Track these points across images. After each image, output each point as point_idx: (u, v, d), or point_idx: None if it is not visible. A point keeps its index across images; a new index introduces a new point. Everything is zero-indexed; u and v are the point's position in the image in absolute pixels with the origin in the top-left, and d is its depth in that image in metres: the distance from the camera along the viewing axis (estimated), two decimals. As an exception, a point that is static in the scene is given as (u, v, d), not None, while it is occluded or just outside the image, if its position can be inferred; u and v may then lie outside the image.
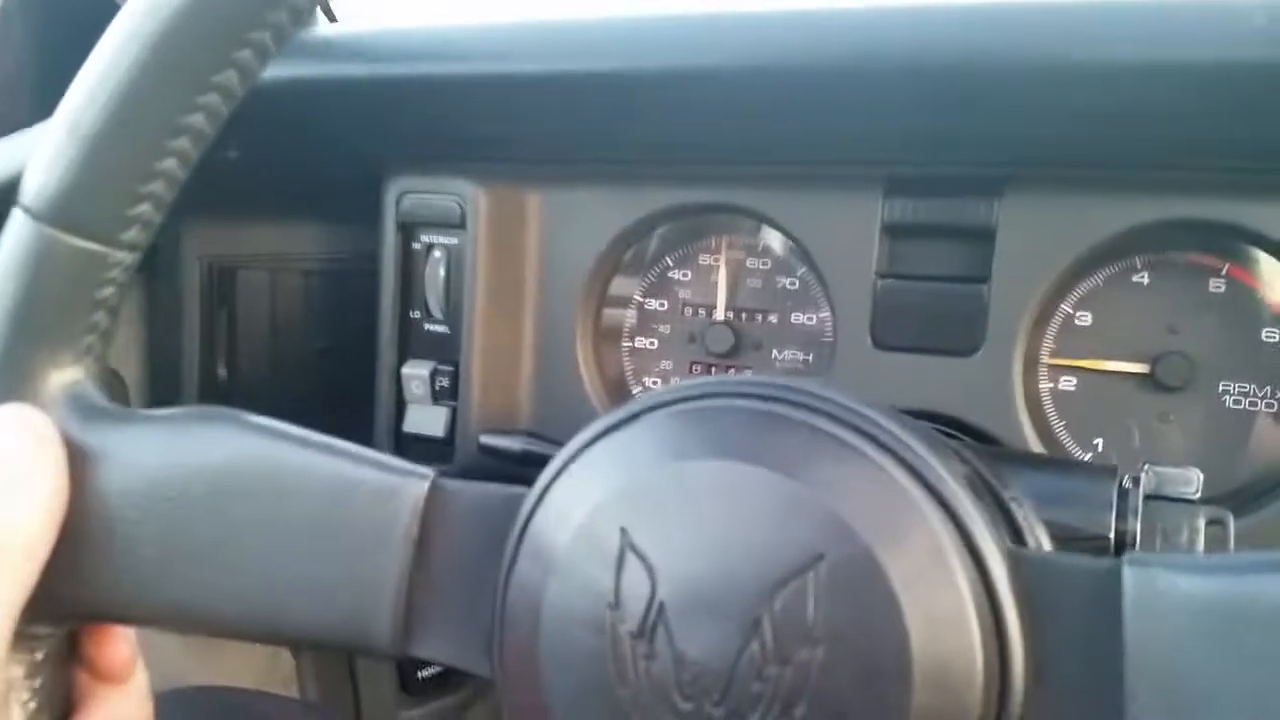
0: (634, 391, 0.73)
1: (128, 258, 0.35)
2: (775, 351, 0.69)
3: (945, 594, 0.26)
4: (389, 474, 0.32)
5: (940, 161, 0.60)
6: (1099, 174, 0.57)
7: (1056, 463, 0.55)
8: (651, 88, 0.59)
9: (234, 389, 0.81)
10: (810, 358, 0.68)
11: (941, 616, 0.26)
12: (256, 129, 0.69)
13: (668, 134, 0.64)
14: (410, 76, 0.64)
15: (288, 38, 0.35)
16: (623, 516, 0.29)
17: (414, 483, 0.32)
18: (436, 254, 0.69)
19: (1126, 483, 0.42)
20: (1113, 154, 0.56)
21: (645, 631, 0.28)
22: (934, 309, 0.61)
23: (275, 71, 0.66)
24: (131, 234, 0.35)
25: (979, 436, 0.60)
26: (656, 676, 0.28)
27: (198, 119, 0.34)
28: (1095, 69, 0.51)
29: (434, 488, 0.32)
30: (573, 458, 0.31)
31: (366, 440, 0.73)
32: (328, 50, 0.68)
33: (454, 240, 0.69)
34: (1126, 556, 0.26)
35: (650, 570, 0.28)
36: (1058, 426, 0.62)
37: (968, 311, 0.60)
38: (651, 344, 0.73)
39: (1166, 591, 0.25)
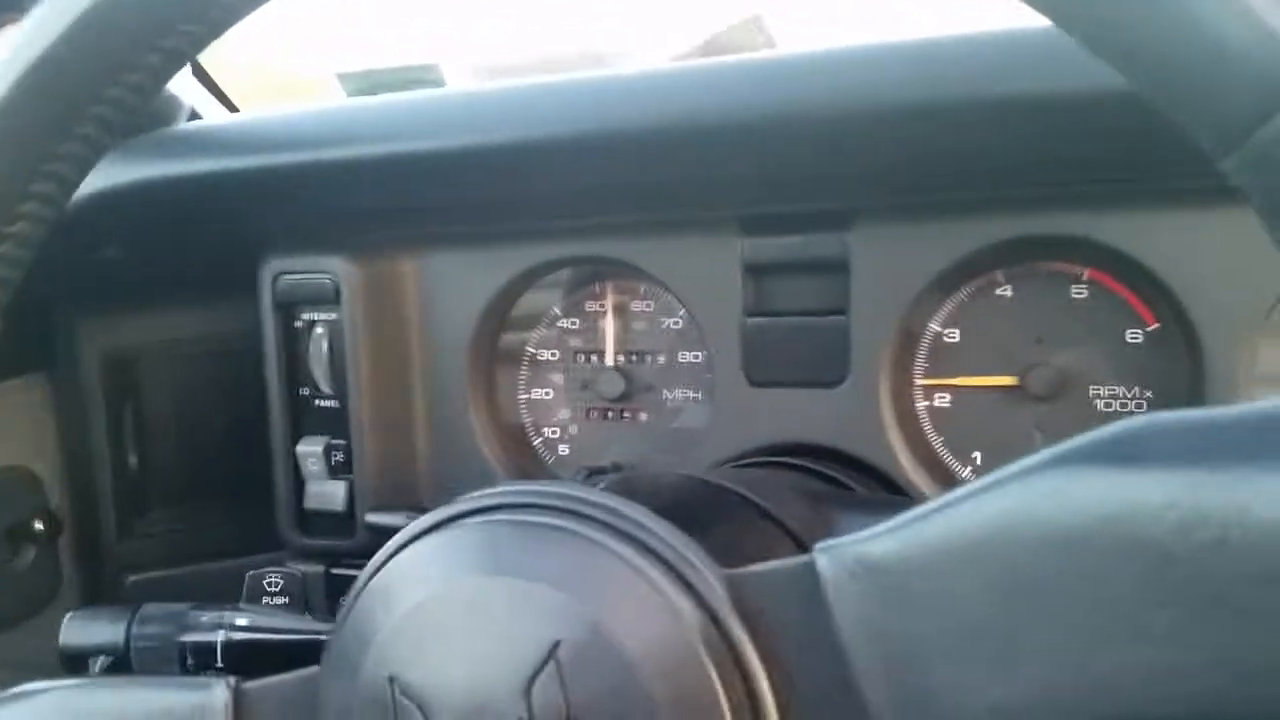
0: (534, 443, 0.74)
1: None
2: (666, 392, 0.70)
3: (673, 636, 0.28)
4: (193, 693, 0.34)
5: (791, 199, 0.60)
6: (941, 199, 0.58)
7: (877, 501, 0.56)
8: (510, 156, 0.60)
9: (146, 476, 0.82)
10: (699, 395, 0.69)
11: (675, 655, 0.28)
12: (132, 225, 0.70)
13: (538, 193, 0.65)
14: (283, 164, 0.65)
15: (88, 168, 0.36)
16: (388, 665, 0.31)
17: (217, 695, 0.34)
18: (318, 330, 0.70)
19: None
20: (950, 180, 0.56)
21: None
22: (800, 343, 0.61)
23: (138, 171, 0.67)
24: None
25: (855, 464, 0.61)
26: None
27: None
28: (925, 106, 0.52)
29: (236, 694, 0.34)
30: (342, 621, 0.33)
31: (273, 518, 0.74)
32: (189, 145, 0.68)
33: (333, 315, 0.69)
34: (817, 545, 0.27)
35: (422, 709, 0.30)
36: (936, 444, 0.62)
37: (831, 343, 0.61)
38: (547, 394, 0.73)
39: (853, 566, 0.26)
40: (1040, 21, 0.29)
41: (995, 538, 0.24)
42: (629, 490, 0.32)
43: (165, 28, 0.34)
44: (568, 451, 0.73)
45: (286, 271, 0.70)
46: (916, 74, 0.52)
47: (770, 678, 0.28)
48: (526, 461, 0.73)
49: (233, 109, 0.84)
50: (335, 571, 0.71)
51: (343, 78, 0.93)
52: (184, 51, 0.35)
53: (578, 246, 0.68)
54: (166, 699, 0.35)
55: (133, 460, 0.81)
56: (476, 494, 0.33)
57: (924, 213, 0.58)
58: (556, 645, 0.28)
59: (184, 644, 0.51)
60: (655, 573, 0.29)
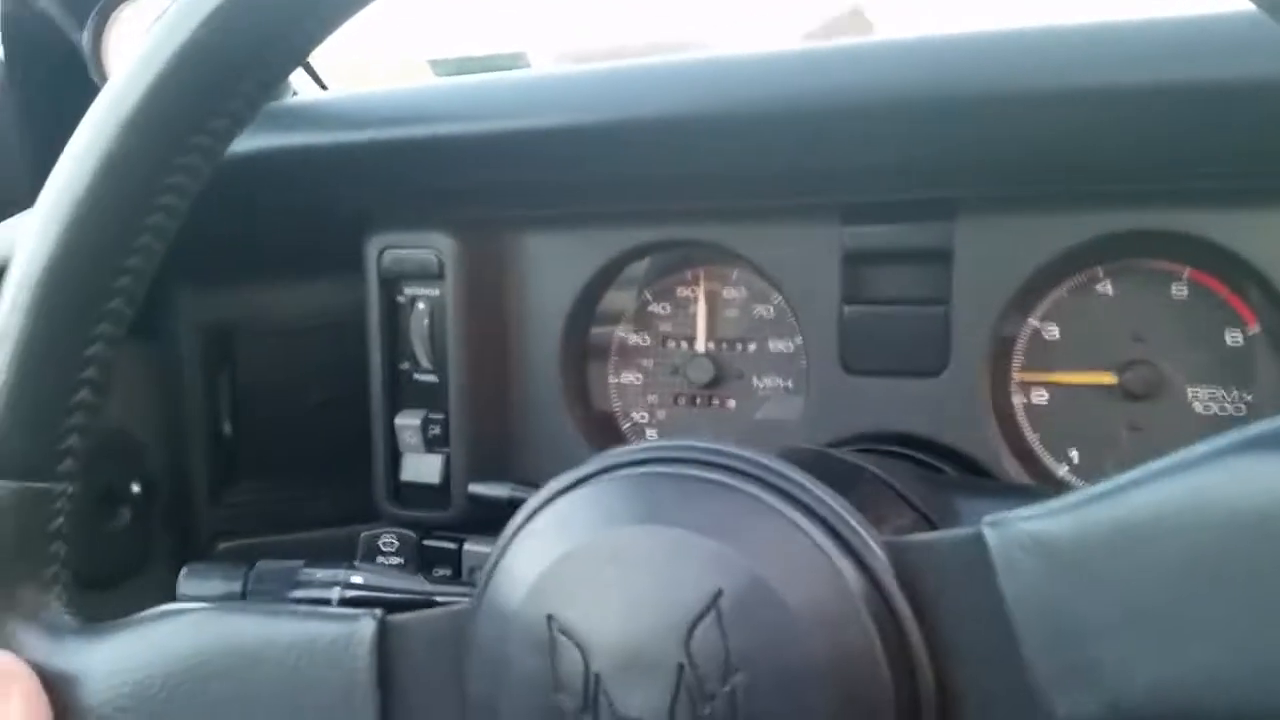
0: (623, 427, 0.75)
1: (69, 487, 0.38)
2: (756, 379, 0.71)
3: (835, 596, 0.29)
4: (338, 624, 0.35)
5: (895, 189, 0.61)
6: (1048, 191, 0.58)
7: (1000, 486, 0.57)
8: (609, 136, 0.62)
9: (239, 445, 0.84)
10: (790, 384, 0.70)
11: (836, 618, 0.29)
12: (238, 199, 0.72)
13: (635, 176, 0.66)
14: (384, 140, 0.67)
15: (202, 180, 0.38)
16: (547, 604, 0.31)
17: (363, 626, 0.34)
18: (420, 306, 0.72)
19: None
20: (1059, 172, 0.57)
21: (589, 705, 0.30)
22: (898, 332, 0.62)
23: (255, 142, 0.69)
24: (67, 464, 0.38)
25: (952, 455, 0.61)
26: None
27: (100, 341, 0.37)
28: (1035, 96, 0.52)
29: (382, 626, 0.35)
30: (496, 561, 0.33)
31: (369, 490, 0.75)
32: (303, 119, 0.70)
33: (435, 291, 0.71)
34: (986, 519, 0.28)
35: (581, 648, 0.31)
36: (1032, 440, 0.63)
37: (931, 333, 0.61)
38: (636, 379, 0.74)
39: (1025, 541, 0.27)
40: (1150, 11, 0.29)
41: (1178, 517, 0.25)
42: (776, 453, 0.32)
43: (292, 21, 0.35)
44: (655, 436, 0.74)
45: (391, 246, 0.71)
46: (1025, 62, 0.53)
47: (929, 645, 0.29)
48: (614, 446, 0.74)
49: (324, 87, 0.86)
50: (428, 543, 0.72)
51: (434, 63, 0.95)
52: (303, 48, 0.37)
53: (675, 230, 0.69)
54: (312, 627, 0.35)
55: (227, 429, 0.84)
56: (634, 446, 0.33)
57: (1028, 205, 0.59)
58: (719, 594, 0.29)
59: (298, 600, 0.52)
60: (818, 533, 0.30)
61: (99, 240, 0.37)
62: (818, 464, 0.41)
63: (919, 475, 0.47)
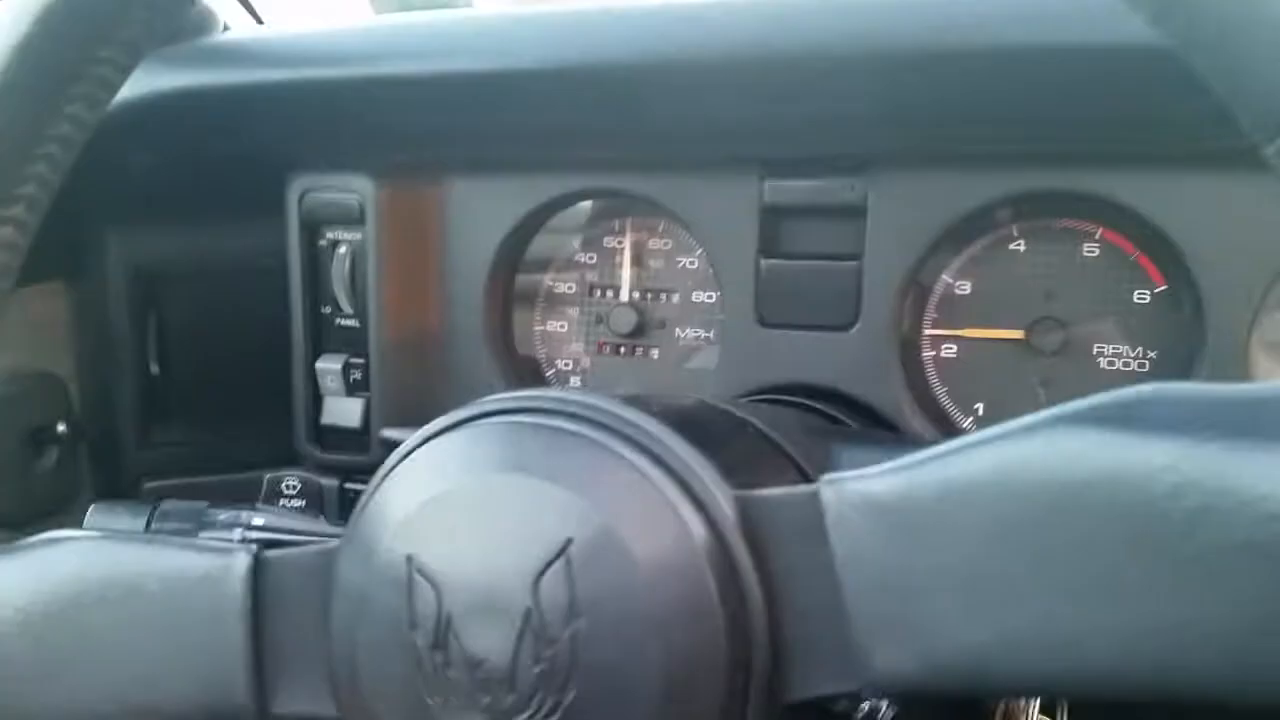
0: (547, 374, 0.75)
1: None
2: (678, 330, 0.71)
3: (679, 548, 0.30)
4: (214, 556, 0.36)
5: (812, 144, 0.61)
6: (960, 150, 0.58)
7: (878, 436, 0.58)
8: (536, 82, 0.61)
9: (166, 386, 0.83)
10: (711, 335, 0.70)
11: (678, 568, 0.29)
12: (162, 135, 0.71)
13: (560, 124, 0.65)
14: (308, 80, 0.66)
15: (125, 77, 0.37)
16: (408, 545, 0.32)
17: (238, 560, 0.35)
18: (341, 250, 0.71)
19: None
20: (970, 129, 0.57)
21: (440, 643, 0.31)
22: (812, 286, 0.63)
23: (174, 80, 0.68)
24: None
25: (859, 408, 0.62)
26: (456, 681, 0.31)
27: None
28: (942, 53, 0.52)
29: (256, 561, 0.35)
30: (366, 501, 0.34)
31: (289, 432, 0.76)
32: (222, 56, 0.69)
33: (357, 235, 0.71)
34: (825, 477, 0.29)
35: (436, 588, 0.31)
36: (939, 393, 0.64)
37: (843, 288, 0.62)
38: (562, 327, 0.75)
39: (857, 501, 0.28)
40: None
41: (995, 484, 0.26)
42: (645, 406, 0.33)
43: None
44: (579, 384, 0.74)
45: (313, 189, 0.71)
46: (939, 18, 0.52)
47: (766, 597, 0.29)
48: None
49: (259, 21, 0.85)
50: (349, 486, 0.72)
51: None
52: None
53: (599, 179, 0.69)
54: (188, 559, 0.36)
55: (154, 370, 0.83)
56: (504, 395, 0.34)
57: (942, 162, 0.59)
58: (568, 543, 0.29)
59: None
60: (668, 485, 0.30)
61: None
62: (701, 417, 0.41)
63: (809, 429, 0.47)
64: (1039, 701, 0.51)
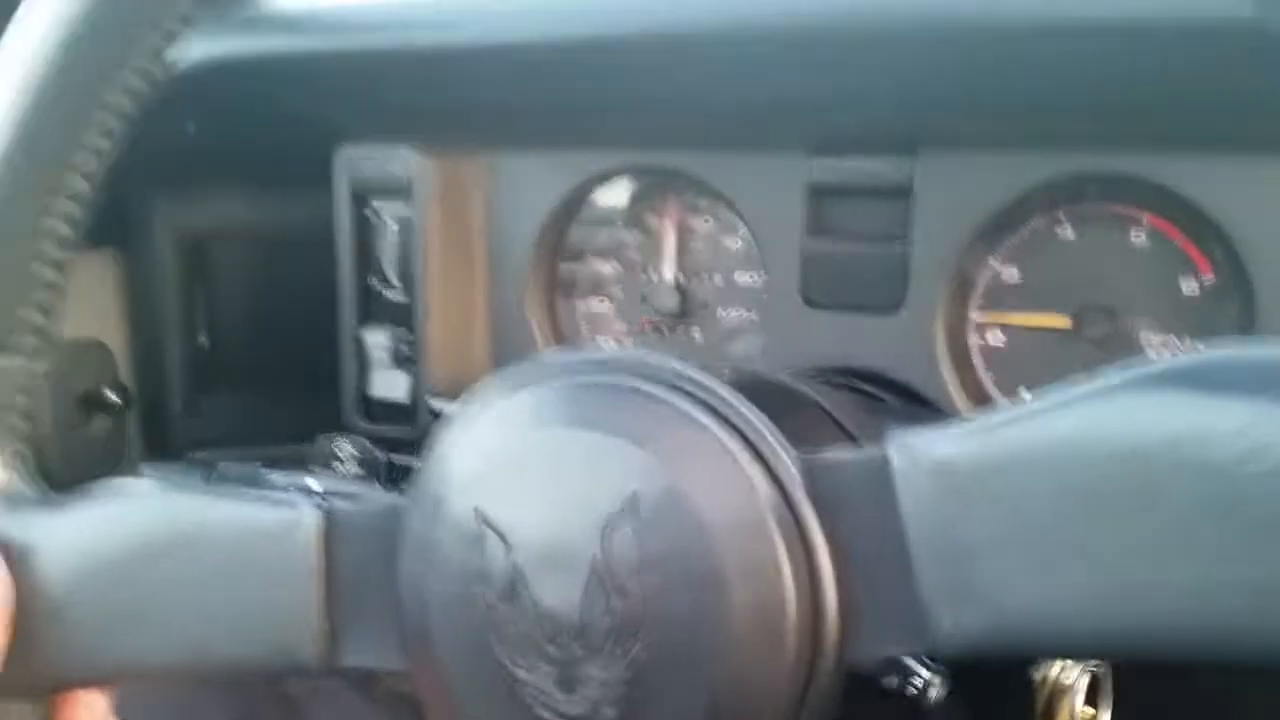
0: (589, 351, 0.76)
1: (31, 364, 0.39)
2: (721, 310, 0.71)
3: (745, 505, 0.30)
4: (286, 509, 0.36)
5: (859, 122, 0.61)
6: (1009, 131, 0.58)
7: (934, 413, 0.58)
8: (588, 54, 0.61)
9: (214, 356, 0.85)
10: (755, 316, 0.70)
11: (745, 525, 0.30)
12: (211, 103, 0.72)
13: (607, 99, 0.66)
14: (356, 50, 0.66)
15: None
16: (475, 498, 0.32)
17: (308, 513, 0.36)
18: (389, 222, 0.72)
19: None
20: (1020, 111, 0.57)
21: (509, 595, 0.32)
22: (858, 267, 0.63)
23: (222, 47, 0.69)
24: (29, 341, 0.39)
25: (904, 392, 0.62)
26: (526, 632, 0.32)
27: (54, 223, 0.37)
28: (995, 28, 0.52)
29: (327, 515, 0.36)
30: (432, 455, 0.35)
31: (336, 404, 0.77)
32: (273, 25, 0.70)
33: (404, 208, 0.71)
34: (892, 438, 0.29)
35: (504, 540, 0.32)
36: (985, 380, 0.64)
37: (889, 269, 0.62)
38: (604, 304, 0.75)
39: (926, 462, 0.28)
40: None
41: (1065, 447, 0.26)
42: (709, 369, 0.33)
43: None
44: (623, 361, 0.75)
45: (360, 159, 0.72)
46: None
47: (834, 558, 0.30)
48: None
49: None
50: (395, 458, 0.73)
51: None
52: None
53: (644, 156, 0.69)
54: (257, 511, 0.36)
55: (202, 340, 0.85)
56: (572, 354, 0.34)
57: (991, 144, 0.59)
58: (635, 496, 0.30)
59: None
60: (735, 445, 0.31)
61: (48, 137, 0.37)
62: (757, 386, 0.42)
63: (861, 404, 0.48)
64: (1083, 694, 0.51)
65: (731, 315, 0.71)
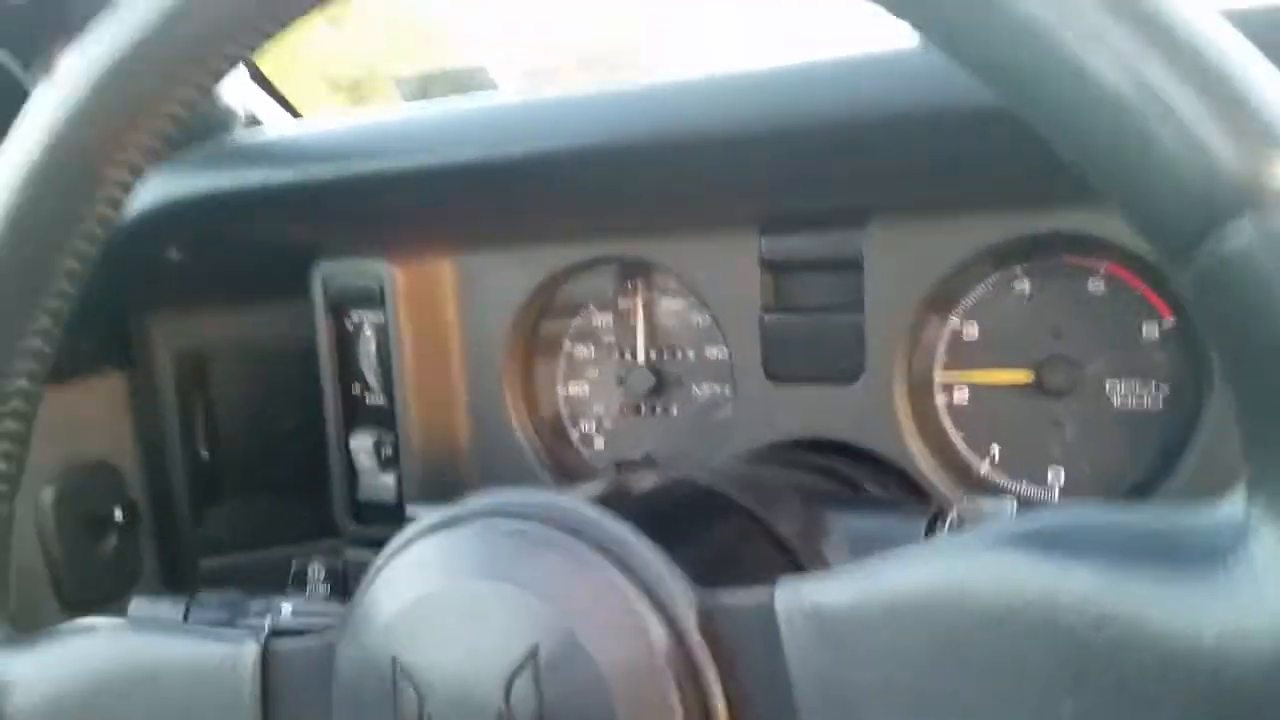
0: (572, 437, 0.77)
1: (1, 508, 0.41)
2: (694, 387, 0.72)
3: (642, 654, 0.30)
4: (226, 645, 0.37)
5: (809, 199, 0.62)
6: (956, 196, 0.59)
7: (873, 502, 0.58)
8: (548, 164, 0.63)
9: (216, 467, 0.87)
10: (727, 390, 0.71)
11: (641, 671, 0.30)
12: (192, 231, 0.75)
13: (566, 198, 0.68)
14: (332, 178, 0.69)
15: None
16: (392, 646, 0.34)
17: (247, 650, 0.37)
18: (366, 331, 0.74)
19: (942, 519, 0.44)
20: (965, 179, 0.57)
21: None
22: (817, 339, 0.63)
23: (200, 181, 0.72)
24: None
25: (870, 460, 0.62)
26: None
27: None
28: (932, 113, 0.53)
29: (265, 650, 0.37)
30: (359, 597, 0.36)
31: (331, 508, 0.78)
32: (245, 157, 0.73)
33: (380, 316, 0.73)
34: (779, 582, 0.29)
35: (418, 690, 0.33)
36: (955, 439, 0.64)
37: (846, 340, 0.62)
38: (584, 390, 0.76)
39: (807, 609, 0.28)
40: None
41: (931, 603, 0.26)
42: (625, 499, 0.34)
43: (219, 40, 0.35)
44: (603, 445, 0.76)
45: (335, 274, 0.74)
46: (931, 81, 0.53)
47: (727, 702, 0.30)
48: (565, 454, 0.76)
49: (295, 114, 0.89)
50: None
51: (399, 82, 0.97)
52: (225, 69, 0.37)
53: (606, 247, 0.70)
54: (200, 648, 0.38)
55: (204, 453, 0.87)
56: (484, 495, 0.35)
57: (938, 210, 0.59)
58: (536, 649, 0.31)
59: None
60: (631, 590, 0.31)
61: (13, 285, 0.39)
62: (682, 506, 0.42)
63: (803, 496, 0.48)
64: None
65: (705, 390, 0.72)
